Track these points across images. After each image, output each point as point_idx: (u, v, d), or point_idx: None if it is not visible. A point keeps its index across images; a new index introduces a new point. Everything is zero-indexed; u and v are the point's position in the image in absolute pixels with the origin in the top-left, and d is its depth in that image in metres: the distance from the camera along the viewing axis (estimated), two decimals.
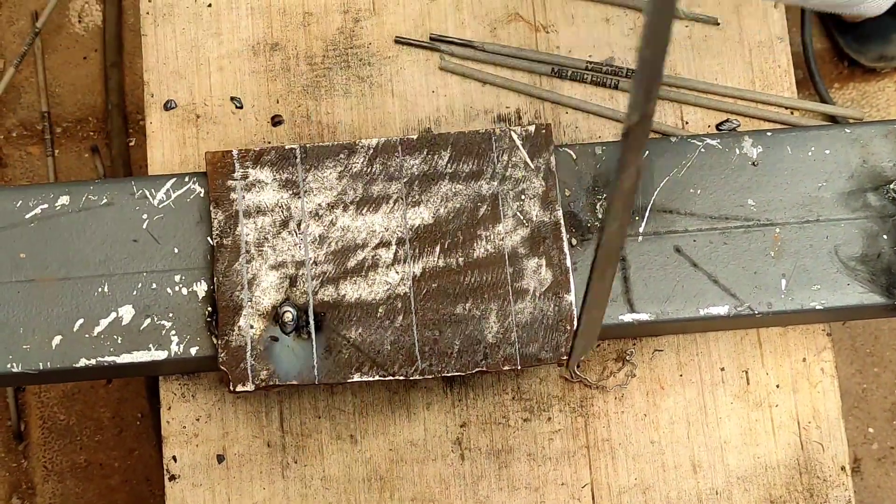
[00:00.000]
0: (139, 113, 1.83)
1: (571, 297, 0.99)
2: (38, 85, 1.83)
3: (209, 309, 1.00)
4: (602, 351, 1.09)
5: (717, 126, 1.13)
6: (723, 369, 1.09)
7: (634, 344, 1.09)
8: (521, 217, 1.01)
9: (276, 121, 1.13)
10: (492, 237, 1.01)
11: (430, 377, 0.98)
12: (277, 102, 1.14)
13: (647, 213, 1.03)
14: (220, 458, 1.06)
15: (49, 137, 1.80)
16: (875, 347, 1.77)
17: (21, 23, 1.86)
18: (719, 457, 1.07)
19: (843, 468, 1.07)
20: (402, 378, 0.98)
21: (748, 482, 1.07)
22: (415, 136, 1.03)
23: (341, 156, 1.02)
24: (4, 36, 1.84)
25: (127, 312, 1.01)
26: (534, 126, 1.03)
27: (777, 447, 1.07)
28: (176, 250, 1.02)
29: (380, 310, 0.99)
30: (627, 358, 1.08)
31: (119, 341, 1.00)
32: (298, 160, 1.02)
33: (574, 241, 1.02)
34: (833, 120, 1.23)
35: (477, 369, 0.98)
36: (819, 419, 1.08)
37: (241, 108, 1.12)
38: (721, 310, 1.01)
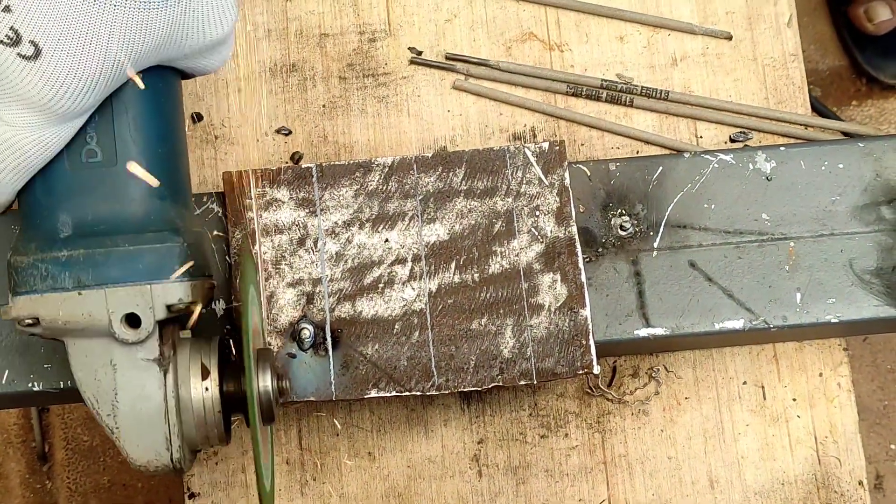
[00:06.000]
0: None
1: (587, 312, 0.99)
2: None
3: (227, 327, 1.01)
4: (619, 368, 1.09)
5: (731, 137, 1.14)
6: (741, 384, 1.09)
7: (658, 360, 1.09)
8: (536, 233, 1.02)
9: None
10: (507, 253, 1.01)
11: (447, 392, 0.99)
12: (294, 123, 1.15)
13: (661, 229, 1.04)
14: (240, 477, 1.07)
15: None
16: None
17: None
18: (736, 472, 1.07)
19: (860, 483, 1.07)
20: (418, 393, 0.99)
21: (765, 497, 1.06)
22: (430, 154, 1.04)
23: (357, 174, 1.03)
24: None
25: None
26: (547, 143, 1.04)
27: (794, 462, 1.07)
28: None
29: (396, 326, 1.00)
30: (653, 375, 1.08)
31: None
32: (315, 179, 1.03)
33: (588, 257, 1.03)
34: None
35: (493, 384, 0.99)
36: (836, 434, 1.08)
37: (290, 134, 1.13)
38: (736, 324, 1.02)
